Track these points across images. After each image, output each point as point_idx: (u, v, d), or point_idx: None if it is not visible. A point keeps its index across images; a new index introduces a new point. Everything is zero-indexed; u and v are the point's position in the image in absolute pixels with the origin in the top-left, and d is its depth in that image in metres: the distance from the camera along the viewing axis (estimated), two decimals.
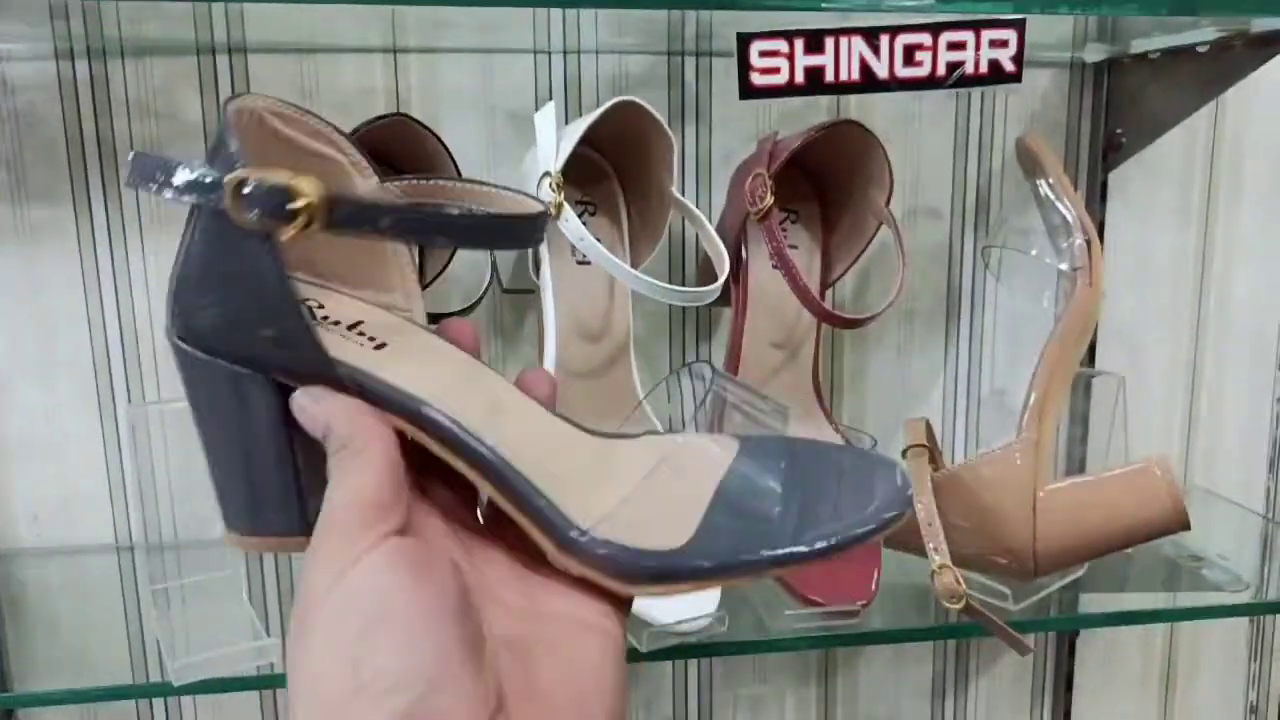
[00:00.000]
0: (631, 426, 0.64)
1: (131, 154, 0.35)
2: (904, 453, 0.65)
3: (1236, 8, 0.60)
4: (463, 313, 0.68)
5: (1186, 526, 0.60)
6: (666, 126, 0.61)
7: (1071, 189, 0.70)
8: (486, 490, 0.33)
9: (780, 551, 0.31)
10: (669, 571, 0.31)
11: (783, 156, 0.64)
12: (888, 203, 0.67)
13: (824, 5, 0.55)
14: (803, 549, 0.31)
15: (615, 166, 0.67)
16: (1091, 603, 0.70)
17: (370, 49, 0.71)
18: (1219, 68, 0.67)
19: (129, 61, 0.69)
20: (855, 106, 0.75)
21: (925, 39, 0.56)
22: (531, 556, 0.33)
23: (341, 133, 0.40)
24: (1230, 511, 0.83)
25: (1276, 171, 0.84)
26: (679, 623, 0.58)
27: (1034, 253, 0.71)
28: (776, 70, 0.55)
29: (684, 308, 0.78)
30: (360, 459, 0.31)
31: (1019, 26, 0.56)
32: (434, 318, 0.43)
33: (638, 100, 0.59)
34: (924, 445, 0.65)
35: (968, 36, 0.56)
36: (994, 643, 0.87)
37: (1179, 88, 0.71)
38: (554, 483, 0.33)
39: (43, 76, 0.68)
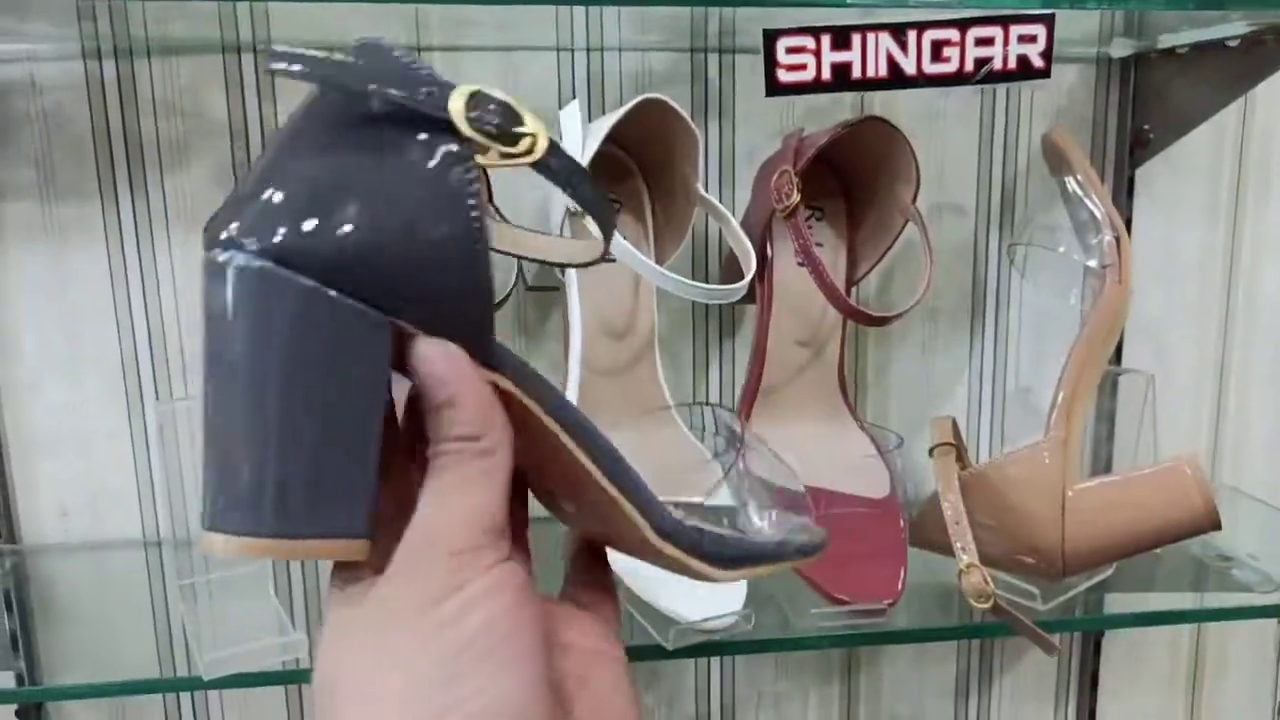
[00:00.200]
0: (658, 426, 0.64)
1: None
2: (931, 451, 0.65)
3: (1267, 1, 0.60)
4: None
5: (1218, 526, 0.60)
6: (692, 124, 0.61)
7: (1100, 185, 0.69)
8: (597, 478, 0.33)
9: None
10: (753, 555, 0.37)
11: (809, 153, 0.64)
12: (914, 200, 0.67)
13: (850, 1, 0.55)
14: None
15: (640, 164, 0.67)
16: (1118, 603, 0.70)
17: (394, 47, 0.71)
18: (1249, 62, 0.66)
19: (155, 61, 0.69)
20: (880, 103, 0.75)
21: (953, 34, 0.55)
22: None
23: None
24: (1259, 510, 0.82)
25: None
26: (705, 620, 0.58)
27: (1061, 249, 0.70)
28: (803, 67, 0.55)
29: (707, 305, 0.77)
30: (489, 463, 0.28)
31: (1048, 22, 0.56)
32: None
33: (663, 98, 0.59)
34: (951, 444, 0.64)
35: (996, 32, 0.55)
36: (1018, 642, 0.87)
37: (1208, 83, 0.71)
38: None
39: (70, 76, 0.68)
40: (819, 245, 0.71)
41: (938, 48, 0.55)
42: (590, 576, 0.36)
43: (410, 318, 0.28)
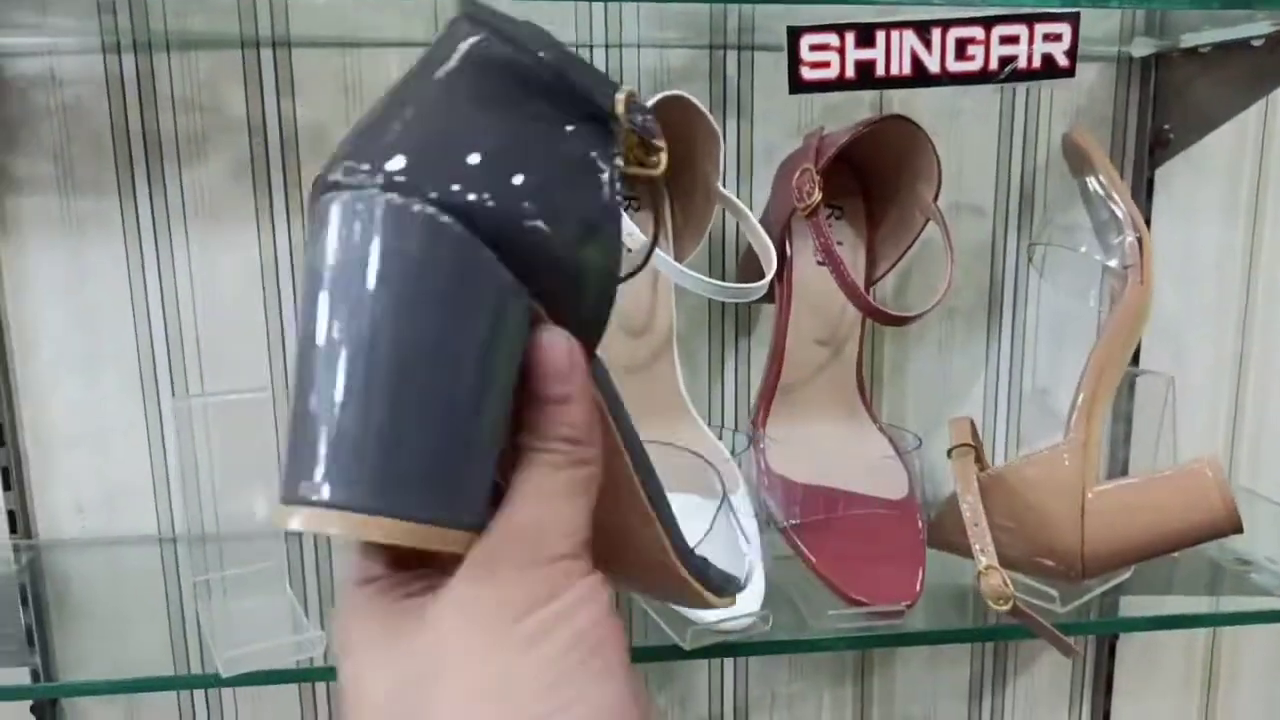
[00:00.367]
0: (676, 423, 0.64)
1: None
2: (950, 452, 0.64)
3: None
4: None
5: (1239, 529, 0.59)
6: (714, 122, 0.61)
7: (1122, 185, 0.69)
8: (641, 497, 0.32)
9: None
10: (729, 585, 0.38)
11: (830, 152, 0.64)
12: (935, 198, 0.67)
13: None
14: None
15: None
16: (1135, 605, 0.69)
17: (413, 43, 0.71)
18: (1274, 62, 0.66)
19: (174, 55, 0.69)
20: (898, 101, 0.75)
21: (978, 33, 0.55)
22: None
23: None
24: (1276, 514, 0.81)
25: None
26: (722, 621, 0.58)
27: (1083, 249, 0.70)
28: (827, 64, 0.54)
29: (724, 303, 0.77)
30: (589, 472, 0.27)
31: (1074, 20, 0.56)
32: None
33: (686, 95, 0.59)
34: (970, 444, 0.64)
35: (1021, 30, 0.55)
36: (1032, 644, 0.87)
37: (1230, 83, 0.70)
38: None
39: (90, 70, 0.68)
40: (839, 244, 0.71)
41: (962, 46, 0.55)
42: None
43: (547, 301, 0.27)
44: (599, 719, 0.25)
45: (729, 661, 0.85)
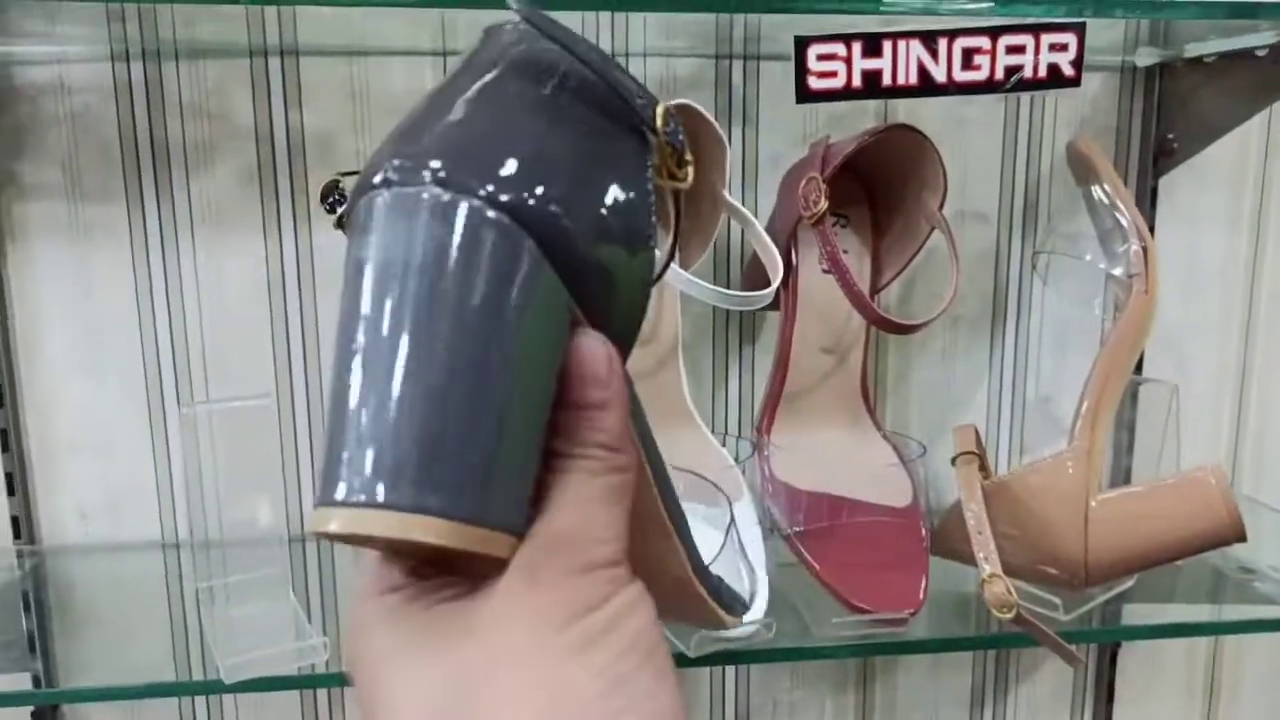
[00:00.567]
0: (681, 431, 0.64)
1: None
2: (953, 460, 0.64)
3: None
4: None
5: (1243, 537, 0.60)
6: (721, 131, 0.61)
7: (1126, 194, 0.69)
8: (660, 510, 0.32)
9: None
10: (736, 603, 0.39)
11: (836, 160, 0.64)
12: (940, 207, 0.67)
13: (881, 9, 0.55)
14: None
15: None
16: (1137, 614, 0.69)
17: (420, 52, 0.71)
18: (1278, 72, 0.66)
19: (183, 64, 0.69)
20: (903, 110, 0.75)
21: (984, 42, 0.55)
22: None
23: None
24: (1279, 522, 0.82)
25: None
26: None
27: (1087, 258, 0.70)
28: (834, 74, 0.55)
29: (728, 311, 0.77)
30: (626, 480, 0.27)
31: (1079, 30, 0.56)
32: None
33: (692, 104, 0.59)
34: (974, 453, 0.64)
35: (1027, 40, 0.55)
36: (1034, 652, 0.87)
37: (1234, 92, 0.71)
38: None
39: (98, 78, 0.69)
40: (844, 252, 0.71)
41: (968, 55, 0.55)
42: None
43: (583, 306, 0.26)
44: (665, 716, 0.25)
45: (730, 669, 0.85)
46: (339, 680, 0.60)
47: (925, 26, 0.56)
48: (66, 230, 0.70)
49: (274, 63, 0.70)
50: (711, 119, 0.60)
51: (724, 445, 0.67)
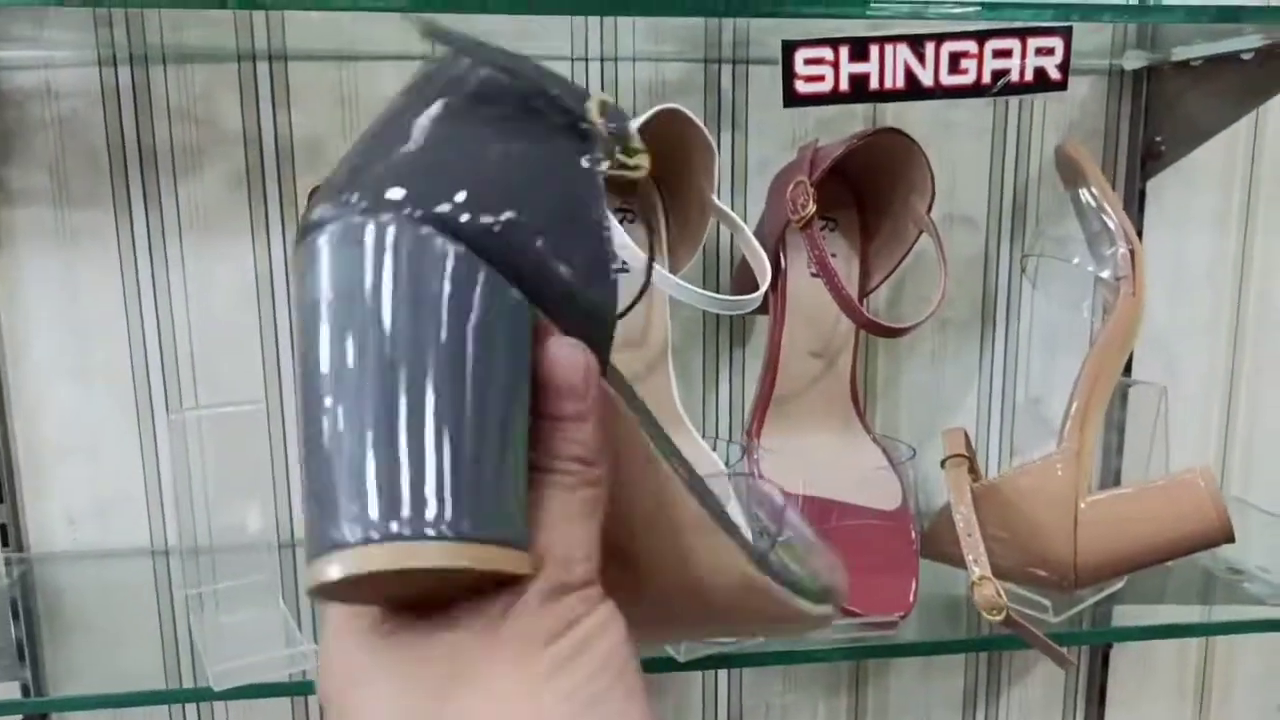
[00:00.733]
0: (671, 435, 0.64)
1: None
2: (943, 463, 0.65)
3: None
4: None
5: (1231, 539, 0.60)
6: (709, 135, 0.61)
7: (1114, 197, 0.69)
8: (694, 508, 0.31)
9: None
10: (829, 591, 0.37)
11: (824, 164, 0.64)
12: (928, 210, 0.67)
13: (868, 13, 0.55)
14: None
15: (654, 174, 0.67)
16: (1128, 615, 0.69)
17: (409, 56, 0.71)
18: (1263, 75, 0.66)
19: (170, 68, 0.69)
20: (891, 114, 0.75)
21: (971, 46, 0.55)
22: None
23: None
24: (1268, 523, 0.82)
25: None
26: None
27: (1075, 261, 0.70)
28: (821, 78, 0.55)
29: (718, 315, 0.77)
30: (597, 494, 0.26)
31: (1065, 34, 0.56)
32: None
33: (681, 108, 0.59)
34: (963, 455, 0.64)
35: (1013, 44, 0.56)
36: (1026, 654, 0.87)
37: (1221, 96, 0.71)
38: None
39: (86, 83, 0.68)
40: (832, 256, 0.71)
41: (955, 59, 0.55)
42: None
43: (547, 305, 0.26)
44: None
45: (723, 672, 0.85)
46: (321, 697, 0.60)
47: (912, 31, 0.56)
48: (54, 235, 0.70)
49: (262, 67, 0.70)
50: (699, 123, 0.60)
51: (714, 449, 0.67)
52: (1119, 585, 0.68)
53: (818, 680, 0.86)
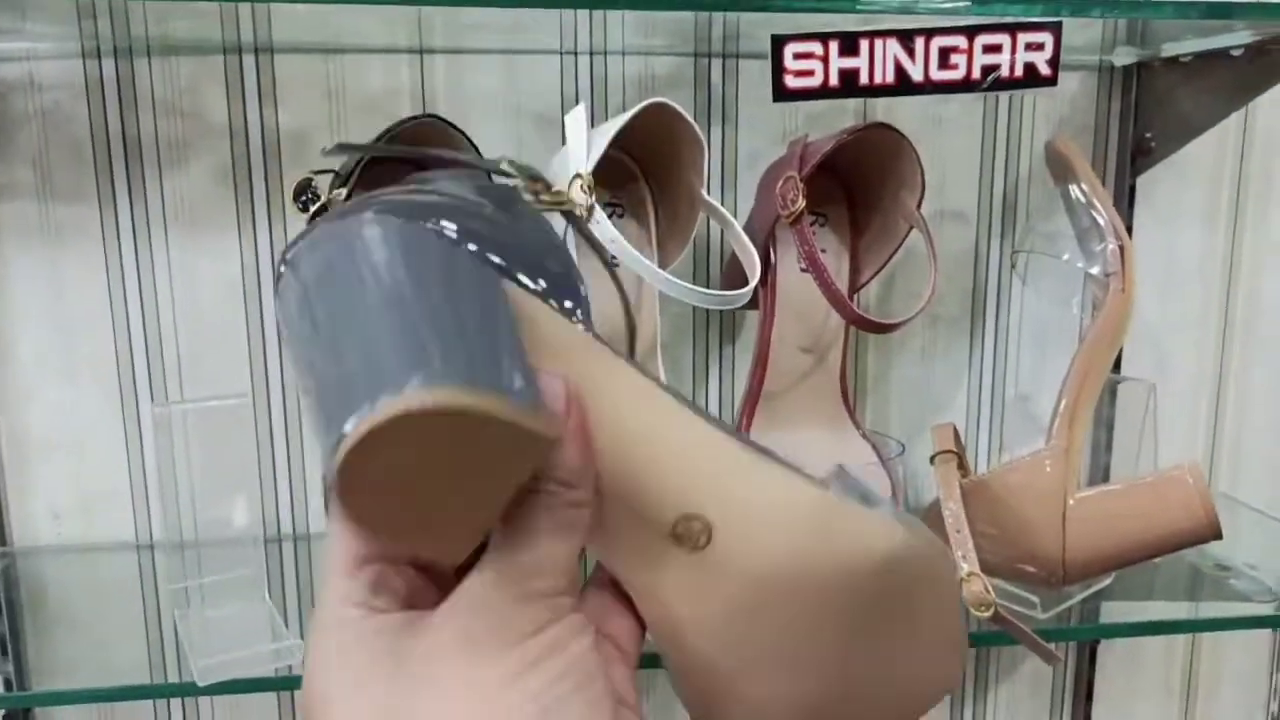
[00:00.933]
0: None
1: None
2: (932, 458, 0.64)
3: (1273, 11, 0.60)
4: None
5: (1218, 535, 0.60)
6: (698, 130, 0.61)
7: (1104, 193, 0.69)
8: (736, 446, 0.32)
9: None
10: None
11: (814, 159, 0.64)
12: (918, 206, 0.67)
13: (858, 8, 0.55)
14: None
15: (644, 168, 0.67)
16: (1116, 611, 0.69)
17: (397, 50, 0.71)
18: (1253, 72, 0.66)
19: (155, 61, 0.69)
20: (881, 109, 0.75)
21: (960, 41, 0.55)
22: None
23: None
24: (1256, 520, 0.82)
25: None
26: None
27: (1065, 257, 0.70)
28: (810, 73, 0.54)
29: (708, 311, 0.77)
30: (578, 515, 0.28)
31: (1055, 29, 0.56)
32: None
33: (670, 102, 0.59)
34: (953, 451, 0.64)
35: (1003, 39, 0.55)
36: (1013, 651, 0.87)
37: (1211, 92, 0.71)
38: None
39: (69, 75, 0.68)
40: (822, 251, 0.71)
41: (945, 54, 0.55)
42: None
43: (523, 272, 0.30)
44: None
45: None
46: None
47: (902, 26, 0.56)
48: (37, 230, 0.70)
49: (248, 60, 0.69)
50: (689, 117, 0.60)
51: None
52: (1107, 582, 0.68)
53: None
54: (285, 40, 0.69)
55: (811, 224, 0.71)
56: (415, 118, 0.60)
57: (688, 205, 0.65)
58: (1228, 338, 0.85)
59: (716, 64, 0.74)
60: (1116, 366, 0.80)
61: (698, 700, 0.32)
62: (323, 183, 0.58)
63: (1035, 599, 0.64)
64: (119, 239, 0.71)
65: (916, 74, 0.55)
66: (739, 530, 0.30)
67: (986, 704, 0.90)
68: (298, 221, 0.59)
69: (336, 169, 0.59)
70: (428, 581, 0.30)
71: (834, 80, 0.55)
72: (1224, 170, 0.83)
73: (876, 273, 0.72)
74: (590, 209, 0.56)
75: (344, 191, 0.57)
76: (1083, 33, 0.71)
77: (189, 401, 0.65)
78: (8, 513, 0.73)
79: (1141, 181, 0.80)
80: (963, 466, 0.64)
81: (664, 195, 0.67)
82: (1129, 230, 0.79)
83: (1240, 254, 0.84)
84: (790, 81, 0.55)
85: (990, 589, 0.57)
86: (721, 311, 0.77)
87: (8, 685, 0.60)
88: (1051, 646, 0.59)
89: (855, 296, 0.73)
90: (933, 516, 0.63)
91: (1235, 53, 0.67)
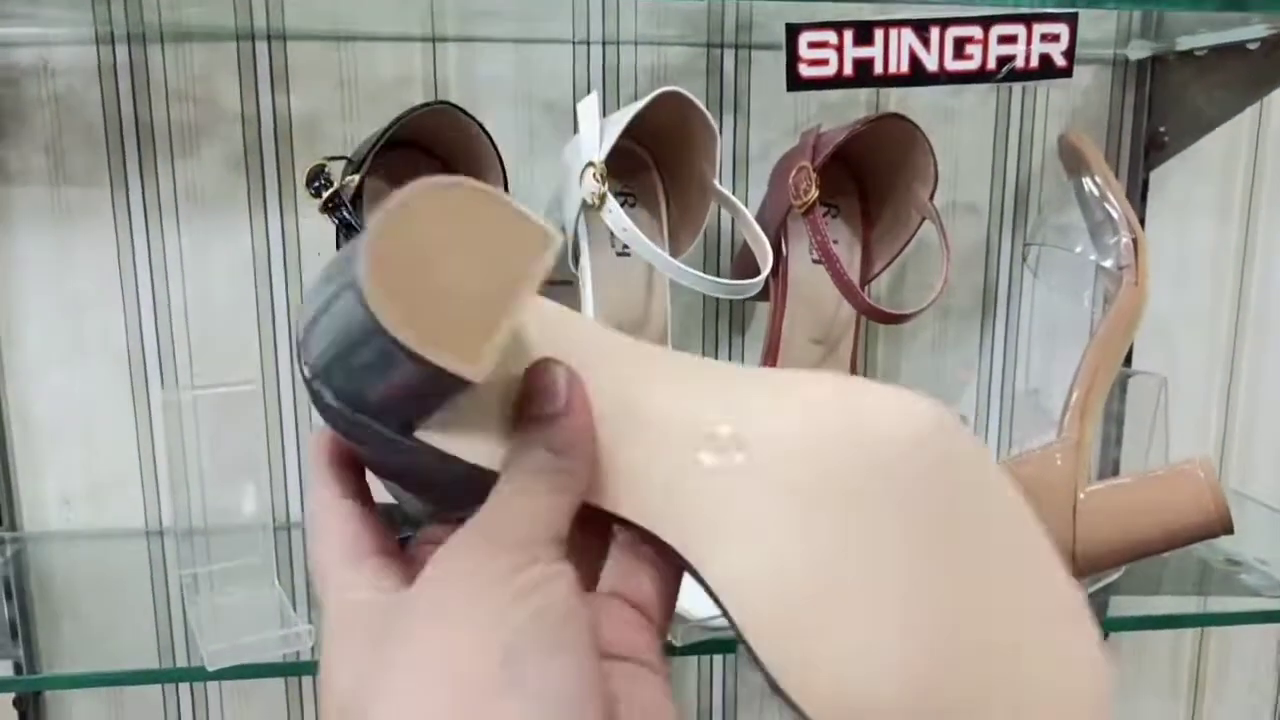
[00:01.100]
0: None
1: None
2: None
3: None
4: None
5: (1230, 530, 0.60)
6: (711, 119, 0.60)
7: (1117, 186, 0.69)
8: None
9: None
10: None
11: (827, 149, 0.63)
12: (931, 197, 0.67)
13: None
14: None
15: (656, 157, 0.67)
16: (1125, 605, 0.69)
17: (409, 38, 0.70)
18: (1269, 65, 0.66)
19: (168, 47, 0.69)
20: (894, 100, 0.75)
21: (976, 31, 0.55)
22: None
23: None
24: (1266, 515, 0.82)
25: None
26: (713, 618, 0.57)
27: (1078, 250, 0.70)
28: (825, 62, 0.54)
29: (718, 301, 0.77)
30: (561, 479, 0.29)
31: (1071, 21, 0.56)
32: None
33: (683, 91, 0.58)
34: None
35: (1019, 30, 0.55)
36: None
37: (1226, 86, 0.70)
38: None
39: (83, 60, 0.68)
40: (834, 243, 0.71)
41: (960, 44, 0.55)
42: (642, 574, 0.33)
43: None
44: (560, 692, 0.25)
45: (718, 658, 0.85)
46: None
47: (917, 15, 0.56)
48: (50, 214, 0.70)
49: (261, 47, 0.69)
50: (701, 106, 0.60)
51: None
52: (1116, 575, 0.68)
53: None
54: (298, 27, 0.69)
55: (823, 215, 0.71)
56: (428, 104, 0.60)
57: (699, 195, 0.65)
58: (1239, 332, 0.85)
59: (729, 54, 0.74)
60: (1128, 360, 0.80)
61: (778, 660, 0.30)
62: (335, 169, 0.58)
63: None
64: (130, 224, 0.71)
65: (931, 64, 0.55)
66: (763, 429, 0.30)
67: None
68: (309, 208, 0.59)
69: (349, 155, 0.59)
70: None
71: (848, 70, 0.55)
72: (1237, 165, 0.82)
73: (888, 264, 0.72)
74: (602, 197, 0.56)
75: (356, 179, 0.57)
76: (1097, 26, 0.71)
77: (199, 387, 0.65)
78: (18, 498, 0.73)
79: (1154, 176, 0.79)
80: None
81: (676, 185, 0.67)
82: (1141, 224, 0.79)
83: (1253, 249, 0.84)
84: (805, 71, 0.54)
85: None
86: (732, 302, 0.77)
87: (17, 669, 0.60)
88: None
89: (866, 288, 0.73)
90: None
91: (1251, 46, 0.67)
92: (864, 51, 0.55)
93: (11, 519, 0.73)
